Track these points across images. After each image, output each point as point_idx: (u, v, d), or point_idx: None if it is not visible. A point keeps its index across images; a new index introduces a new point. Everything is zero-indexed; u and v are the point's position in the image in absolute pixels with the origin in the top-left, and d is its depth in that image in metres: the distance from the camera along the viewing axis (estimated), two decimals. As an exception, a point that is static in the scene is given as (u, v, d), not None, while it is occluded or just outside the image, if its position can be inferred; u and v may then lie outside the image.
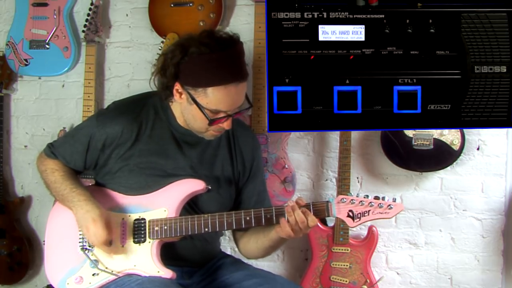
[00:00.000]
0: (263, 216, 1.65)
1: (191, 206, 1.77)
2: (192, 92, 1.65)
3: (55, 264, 1.77)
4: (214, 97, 1.63)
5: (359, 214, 1.60)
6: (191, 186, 1.74)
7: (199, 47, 1.62)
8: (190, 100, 1.66)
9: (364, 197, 1.60)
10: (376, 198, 1.60)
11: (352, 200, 1.61)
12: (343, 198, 1.62)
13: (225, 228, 1.69)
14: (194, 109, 1.67)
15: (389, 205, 1.59)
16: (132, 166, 1.76)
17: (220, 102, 1.63)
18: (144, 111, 1.80)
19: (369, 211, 1.60)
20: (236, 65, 1.64)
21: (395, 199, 1.61)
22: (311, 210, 1.62)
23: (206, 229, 1.68)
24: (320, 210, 1.63)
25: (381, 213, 1.59)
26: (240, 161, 1.87)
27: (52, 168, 1.84)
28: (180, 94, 1.69)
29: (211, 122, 1.66)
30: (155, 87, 1.79)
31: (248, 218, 1.66)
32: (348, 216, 1.61)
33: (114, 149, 1.77)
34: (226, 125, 1.69)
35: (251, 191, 1.90)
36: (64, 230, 1.77)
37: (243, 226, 1.68)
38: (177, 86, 1.68)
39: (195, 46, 1.62)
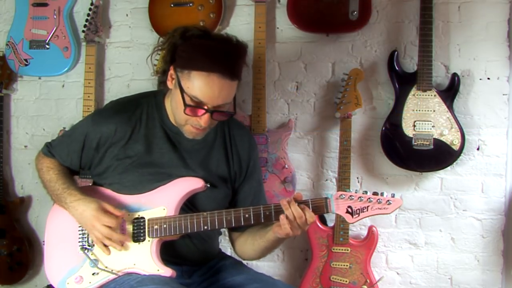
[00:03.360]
0: (262, 214, 1.63)
1: (188, 205, 1.77)
2: (179, 74, 1.65)
3: (55, 264, 1.76)
4: (196, 82, 1.61)
5: (358, 210, 1.58)
6: (190, 184, 1.74)
7: (198, 31, 1.70)
8: (176, 84, 1.66)
9: (363, 193, 1.58)
10: (375, 194, 1.58)
11: (350, 196, 1.59)
12: (341, 194, 1.60)
13: (224, 226, 1.67)
14: (177, 94, 1.66)
15: (388, 200, 1.57)
16: (128, 165, 1.76)
17: (200, 90, 1.61)
18: (138, 110, 1.81)
19: (368, 206, 1.57)
20: (227, 59, 1.62)
21: (394, 194, 1.59)
22: (310, 206, 1.60)
23: (206, 227, 1.66)
24: (319, 207, 1.61)
25: (380, 208, 1.57)
26: (237, 161, 1.86)
27: (48, 166, 1.86)
28: (172, 79, 1.70)
29: (187, 107, 1.62)
30: (152, 69, 1.93)
31: (247, 215, 1.64)
32: (347, 212, 1.59)
33: (108, 148, 1.78)
34: (203, 121, 1.66)
35: (247, 191, 1.89)
36: (64, 230, 1.76)
37: (242, 223, 1.65)
38: (171, 70, 1.70)
39: (195, 30, 1.70)
